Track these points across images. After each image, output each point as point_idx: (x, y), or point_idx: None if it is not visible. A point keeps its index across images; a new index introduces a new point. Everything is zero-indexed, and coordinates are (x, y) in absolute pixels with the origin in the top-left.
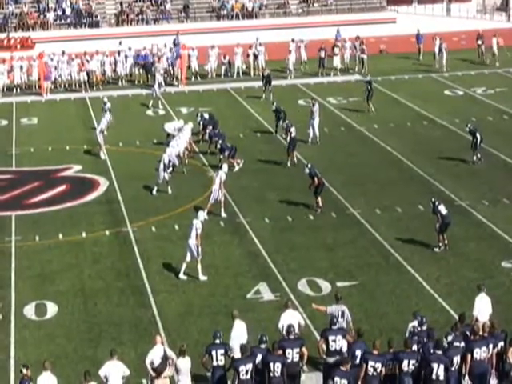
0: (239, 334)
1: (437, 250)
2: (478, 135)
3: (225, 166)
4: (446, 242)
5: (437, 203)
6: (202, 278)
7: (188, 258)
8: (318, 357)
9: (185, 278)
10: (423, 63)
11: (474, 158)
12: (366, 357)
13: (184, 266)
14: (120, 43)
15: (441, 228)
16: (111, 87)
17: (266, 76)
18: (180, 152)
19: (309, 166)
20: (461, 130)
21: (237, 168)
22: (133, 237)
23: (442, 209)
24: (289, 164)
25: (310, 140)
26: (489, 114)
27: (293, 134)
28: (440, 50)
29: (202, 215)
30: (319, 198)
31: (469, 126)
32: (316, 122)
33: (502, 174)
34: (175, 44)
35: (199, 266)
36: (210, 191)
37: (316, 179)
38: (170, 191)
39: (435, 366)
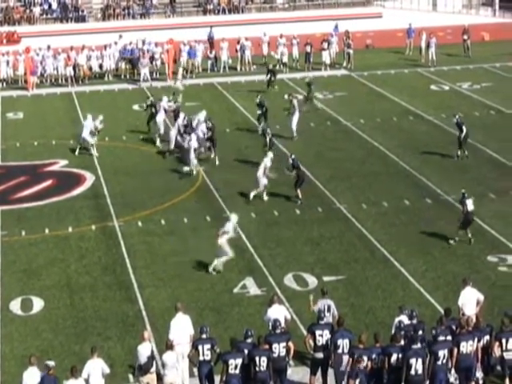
0: (181, 327)
1: (452, 242)
2: (464, 128)
3: (270, 153)
4: (470, 235)
5: (466, 195)
6: (210, 269)
7: (230, 254)
8: (304, 351)
9: (214, 273)
10: (409, 58)
11: (459, 152)
12: (352, 351)
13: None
14: (120, 36)
15: (463, 223)
16: (97, 82)
17: (271, 70)
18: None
19: (292, 156)
20: (447, 125)
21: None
22: (119, 231)
23: (469, 204)
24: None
25: (294, 134)
26: (475, 109)
27: (269, 137)
28: (429, 44)
29: (235, 219)
30: (298, 190)
31: (456, 117)
32: (295, 117)
33: (488, 169)
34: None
35: (216, 261)
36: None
37: (295, 171)
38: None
39: (413, 361)
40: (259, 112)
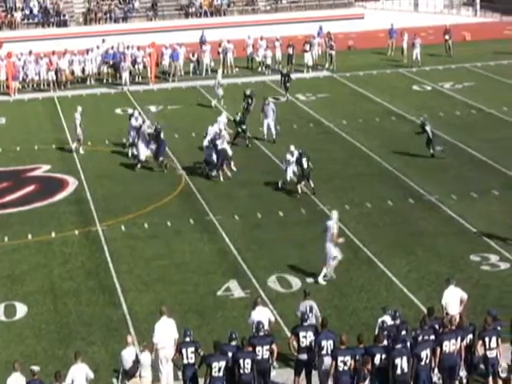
0: (166, 330)
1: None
2: (427, 129)
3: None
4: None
5: (302, 154)
6: (321, 281)
7: (331, 261)
8: (289, 353)
9: (324, 283)
10: (391, 58)
11: (431, 151)
12: (334, 352)
13: (324, 270)
14: (103, 41)
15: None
16: (80, 86)
17: (286, 74)
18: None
19: (300, 150)
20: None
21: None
22: (102, 236)
23: (305, 162)
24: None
25: (265, 137)
26: (457, 109)
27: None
28: (413, 45)
29: (336, 215)
30: (299, 186)
31: (421, 119)
32: (269, 120)
33: (469, 169)
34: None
35: (325, 270)
36: None
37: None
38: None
39: (398, 360)
40: (244, 104)
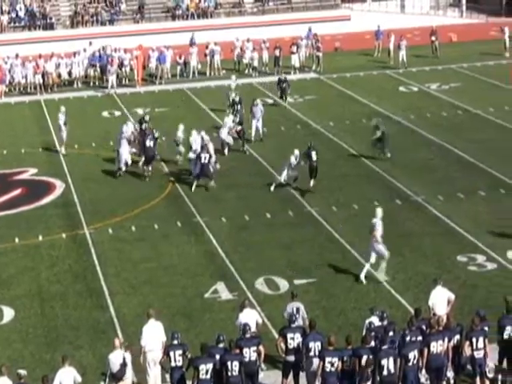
0: (153, 333)
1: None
2: (378, 133)
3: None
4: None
5: (311, 148)
6: (382, 277)
7: (373, 259)
8: (276, 355)
9: (385, 278)
10: (378, 60)
11: (382, 154)
12: (322, 353)
13: (382, 267)
14: (90, 43)
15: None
16: (67, 89)
17: (284, 80)
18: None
19: (311, 144)
20: (416, 126)
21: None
22: (89, 239)
23: (313, 155)
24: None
25: (252, 139)
26: (443, 110)
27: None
28: (399, 47)
29: (381, 212)
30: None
31: (374, 121)
32: (257, 121)
33: (456, 169)
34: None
35: (384, 265)
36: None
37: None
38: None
39: (385, 361)
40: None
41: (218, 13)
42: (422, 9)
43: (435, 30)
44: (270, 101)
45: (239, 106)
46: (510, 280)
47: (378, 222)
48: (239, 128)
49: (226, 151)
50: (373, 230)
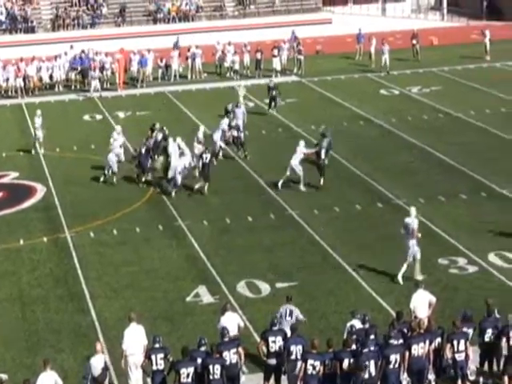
0: (135, 337)
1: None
2: (324, 143)
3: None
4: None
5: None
6: (419, 277)
7: (410, 259)
8: (258, 358)
9: (422, 277)
10: (359, 63)
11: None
12: (304, 356)
13: (417, 267)
14: (71, 47)
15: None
16: (48, 92)
17: (273, 87)
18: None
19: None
20: (397, 129)
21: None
22: (71, 243)
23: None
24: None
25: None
26: (424, 113)
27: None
28: (382, 51)
29: (414, 211)
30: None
31: (322, 129)
32: (239, 123)
33: (437, 172)
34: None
35: (418, 266)
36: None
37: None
38: None
39: (366, 364)
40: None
41: (199, 16)
42: (403, 12)
43: (416, 33)
44: (251, 104)
45: (241, 114)
46: (491, 283)
47: (414, 221)
48: (235, 134)
49: (220, 154)
50: (409, 228)
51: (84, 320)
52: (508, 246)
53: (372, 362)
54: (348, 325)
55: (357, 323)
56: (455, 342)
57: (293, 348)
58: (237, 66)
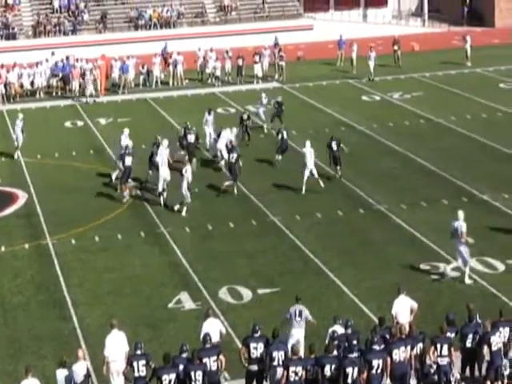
0: (117, 344)
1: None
2: (280, 137)
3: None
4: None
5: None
6: (468, 281)
7: (460, 262)
8: (240, 365)
9: (470, 282)
10: (341, 69)
11: (279, 158)
12: (286, 362)
13: (467, 270)
14: (53, 53)
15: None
16: (29, 99)
17: (279, 103)
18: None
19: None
20: (378, 135)
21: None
22: (52, 250)
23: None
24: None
25: (207, 147)
26: (405, 119)
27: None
28: (369, 57)
29: (462, 215)
30: (338, 167)
31: (279, 128)
32: (211, 130)
33: (418, 178)
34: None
35: (467, 269)
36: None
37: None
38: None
39: (350, 370)
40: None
41: (180, 22)
42: (384, 18)
43: (397, 39)
44: (233, 110)
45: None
46: (473, 288)
47: (462, 225)
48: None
49: (222, 162)
50: (457, 232)
51: (66, 327)
52: (489, 252)
53: (356, 369)
54: (330, 330)
55: (339, 329)
56: (438, 346)
57: (275, 354)
58: (218, 73)
